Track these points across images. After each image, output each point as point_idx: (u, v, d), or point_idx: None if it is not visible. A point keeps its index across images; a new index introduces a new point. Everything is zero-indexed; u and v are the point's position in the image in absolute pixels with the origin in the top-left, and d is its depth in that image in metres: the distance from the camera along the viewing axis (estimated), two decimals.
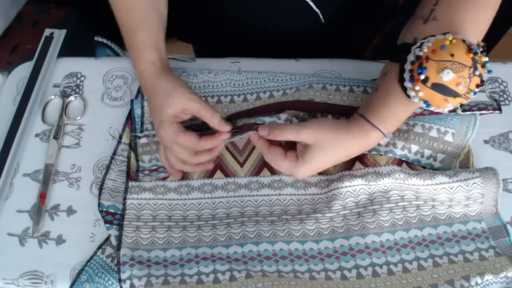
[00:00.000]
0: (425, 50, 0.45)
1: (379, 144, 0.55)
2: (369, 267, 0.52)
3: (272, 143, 0.54)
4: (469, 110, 0.59)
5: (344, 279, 0.51)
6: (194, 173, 0.58)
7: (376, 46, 0.79)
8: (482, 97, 0.62)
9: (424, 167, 0.58)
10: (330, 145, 0.51)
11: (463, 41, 0.44)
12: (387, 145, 0.57)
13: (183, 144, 0.51)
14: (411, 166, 0.58)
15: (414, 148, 0.57)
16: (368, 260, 0.52)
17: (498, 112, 0.60)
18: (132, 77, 0.66)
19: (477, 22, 0.48)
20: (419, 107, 0.50)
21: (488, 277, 0.50)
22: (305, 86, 0.61)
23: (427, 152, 0.57)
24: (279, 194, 0.57)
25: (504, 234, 0.54)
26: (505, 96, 0.64)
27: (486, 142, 0.60)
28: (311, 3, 0.63)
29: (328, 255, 0.53)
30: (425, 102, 0.46)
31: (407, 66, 0.46)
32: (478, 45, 0.45)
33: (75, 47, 0.74)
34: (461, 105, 0.47)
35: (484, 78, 0.46)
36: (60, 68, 0.67)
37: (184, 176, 0.58)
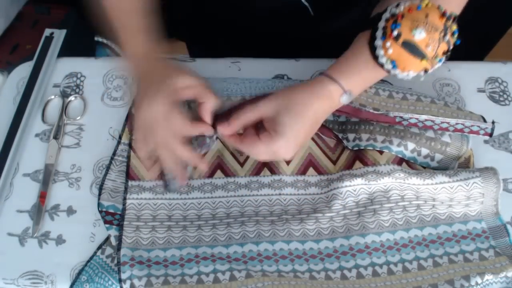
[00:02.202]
0: (402, 9, 0.46)
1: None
2: (369, 266, 0.52)
3: (246, 135, 0.52)
4: (460, 131, 0.57)
5: (344, 278, 0.51)
6: (194, 173, 0.58)
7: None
8: (478, 118, 0.59)
9: (424, 167, 0.58)
10: (293, 106, 0.49)
11: (438, 7, 0.45)
12: (383, 141, 0.57)
13: (174, 126, 0.49)
14: (411, 165, 0.58)
15: (411, 146, 0.57)
16: (368, 260, 0.52)
17: (489, 137, 0.59)
18: (132, 77, 0.66)
19: None
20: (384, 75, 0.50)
21: (488, 277, 0.50)
22: None
23: (424, 151, 0.57)
24: (279, 194, 0.57)
25: (504, 234, 0.54)
26: (505, 96, 0.64)
27: (486, 142, 0.60)
28: None
29: (328, 255, 0.53)
30: (392, 62, 0.46)
31: (381, 24, 0.47)
32: (451, 15, 0.46)
33: (75, 47, 0.74)
34: (425, 71, 0.47)
35: (450, 48, 0.47)
36: (60, 68, 0.67)
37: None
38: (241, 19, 0.70)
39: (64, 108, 0.63)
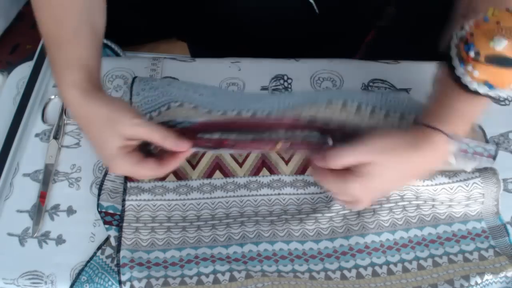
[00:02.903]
0: (467, 29, 0.41)
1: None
2: (369, 267, 0.52)
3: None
4: (464, 151, 0.55)
5: (344, 279, 0.51)
6: (193, 174, 0.58)
7: (371, 40, 0.78)
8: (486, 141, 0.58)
9: None
10: (389, 159, 0.45)
11: (507, 9, 0.41)
12: None
13: (144, 175, 0.49)
14: None
15: None
16: (368, 260, 0.52)
17: (492, 160, 0.55)
18: (132, 77, 0.66)
19: None
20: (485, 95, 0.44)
21: (488, 277, 0.50)
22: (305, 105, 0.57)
23: None
24: (279, 194, 0.57)
25: (504, 233, 0.54)
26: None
27: (486, 142, 0.60)
28: None
29: (328, 255, 0.53)
30: (486, 83, 0.41)
31: (453, 52, 0.43)
32: None
33: None
34: None
35: None
36: None
37: (183, 176, 0.58)
38: (244, 18, 0.70)
39: (64, 108, 0.63)
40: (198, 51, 0.87)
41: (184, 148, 0.48)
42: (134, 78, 0.62)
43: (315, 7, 0.63)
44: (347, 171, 0.46)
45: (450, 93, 0.45)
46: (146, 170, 0.47)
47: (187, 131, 0.51)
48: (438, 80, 0.48)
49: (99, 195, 0.56)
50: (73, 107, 0.47)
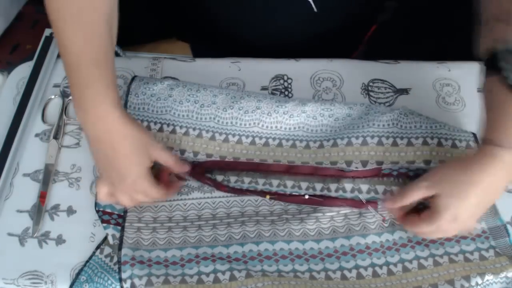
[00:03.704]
0: None
1: None
2: (369, 267, 0.52)
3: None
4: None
5: (344, 279, 0.51)
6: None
7: (372, 35, 0.78)
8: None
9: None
10: (457, 188, 0.46)
11: None
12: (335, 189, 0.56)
13: (155, 197, 0.51)
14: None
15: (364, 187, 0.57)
16: (369, 261, 0.52)
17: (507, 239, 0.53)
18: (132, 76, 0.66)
19: None
20: None
21: (489, 277, 0.50)
22: (316, 144, 0.58)
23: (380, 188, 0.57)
24: None
25: (504, 234, 0.54)
26: None
27: None
28: None
29: (328, 255, 0.53)
30: None
31: (503, 64, 0.43)
32: None
33: None
34: None
35: None
36: (60, 68, 0.67)
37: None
38: (243, 17, 0.70)
39: (64, 108, 0.63)
40: (200, 51, 0.87)
41: (185, 169, 0.54)
42: (133, 78, 0.61)
43: (313, 5, 0.63)
44: (434, 212, 0.48)
45: (508, 104, 0.44)
46: (157, 193, 0.51)
47: (194, 166, 0.56)
48: (488, 94, 0.47)
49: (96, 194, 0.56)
50: (110, 126, 0.46)
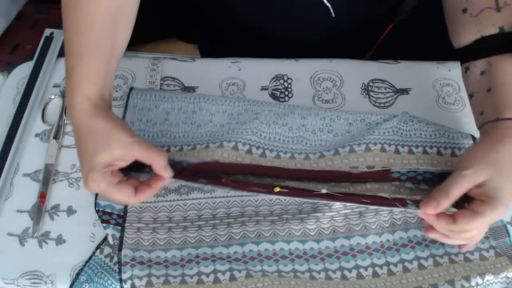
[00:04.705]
0: None
1: None
2: (370, 267, 0.52)
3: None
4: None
5: (344, 279, 0.51)
6: None
7: (389, 33, 0.77)
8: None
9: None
10: (502, 167, 0.44)
11: None
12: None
13: (116, 199, 0.48)
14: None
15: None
16: (369, 261, 0.52)
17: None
18: (132, 77, 0.66)
19: None
20: None
21: (489, 277, 0.50)
22: (316, 155, 0.57)
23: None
24: None
25: (505, 234, 0.54)
26: None
27: None
28: None
29: (328, 255, 0.53)
30: None
31: None
32: None
33: None
34: None
35: None
36: (60, 68, 0.67)
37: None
38: (260, 22, 0.69)
39: (64, 108, 0.63)
40: (209, 51, 0.87)
41: (168, 174, 0.49)
42: (130, 90, 0.62)
43: (331, 10, 0.63)
44: (490, 198, 0.45)
45: None
46: (120, 194, 0.47)
47: (186, 169, 0.54)
48: (499, 70, 0.48)
49: (96, 194, 0.56)
50: (77, 118, 0.47)
